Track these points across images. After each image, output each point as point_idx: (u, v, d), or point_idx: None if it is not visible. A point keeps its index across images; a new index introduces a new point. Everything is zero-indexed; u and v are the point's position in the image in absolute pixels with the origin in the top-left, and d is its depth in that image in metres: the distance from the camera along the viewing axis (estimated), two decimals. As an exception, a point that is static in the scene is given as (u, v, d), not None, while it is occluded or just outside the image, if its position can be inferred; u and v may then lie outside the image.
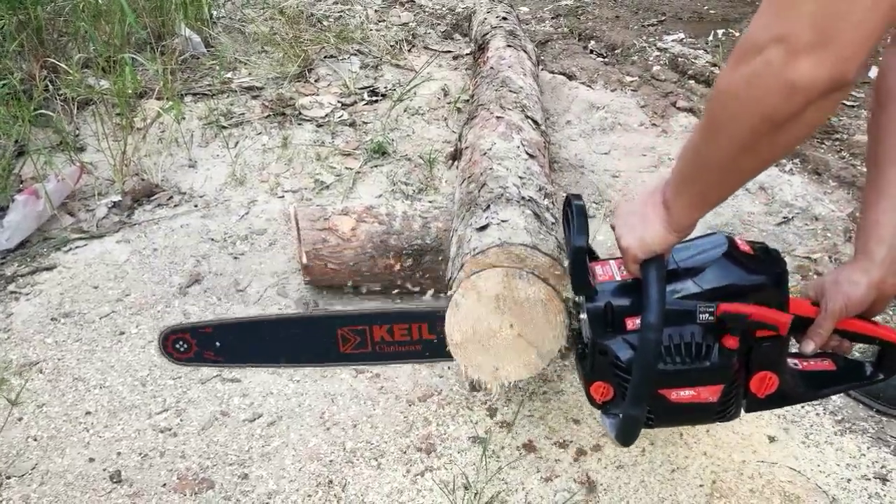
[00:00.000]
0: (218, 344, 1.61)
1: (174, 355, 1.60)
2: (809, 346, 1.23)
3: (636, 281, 1.18)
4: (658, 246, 1.11)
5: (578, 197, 1.28)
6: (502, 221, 1.61)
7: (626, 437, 1.25)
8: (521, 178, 1.82)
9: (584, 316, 1.29)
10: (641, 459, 1.60)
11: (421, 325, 1.57)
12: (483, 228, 1.60)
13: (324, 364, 1.76)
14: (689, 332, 1.21)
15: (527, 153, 1.98)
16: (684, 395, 1.25)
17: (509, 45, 2.89)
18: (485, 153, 1.96)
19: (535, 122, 2.26)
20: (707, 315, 1.19)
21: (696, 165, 1.01)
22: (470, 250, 1.57)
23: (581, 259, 1.22)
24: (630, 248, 1.14)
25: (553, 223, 1.73)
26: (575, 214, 1.24)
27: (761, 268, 1.21)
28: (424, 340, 1.59)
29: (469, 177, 1.91)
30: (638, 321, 1.17)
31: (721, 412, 1.28)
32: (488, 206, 1.68)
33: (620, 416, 1.25)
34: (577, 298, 1.38)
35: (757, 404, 1.30)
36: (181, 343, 1.61)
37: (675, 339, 1.20)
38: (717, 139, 0.93)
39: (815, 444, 1.64)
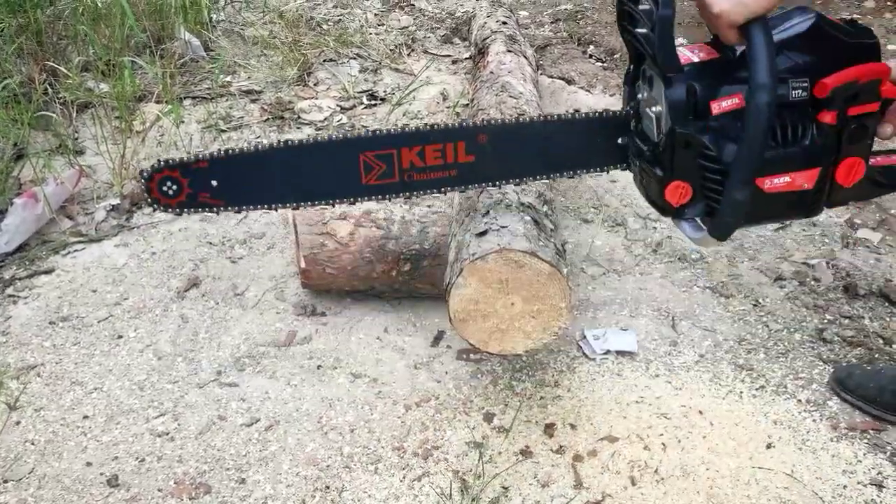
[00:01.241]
0: (215, 183, 1.43)
1: (161, 200, 1.41)
2: (888, 130, 1.18)
3: (719, 60, 1.12)
4: (759, 5, 1.04)
5: None
6: (501, 227, 1.61)
7: (724, 228, 1.17)
8: (519, 183, 1.82)
9: (656, 109, 1.20)
10: (637, 465, 1.60)
11: (457, 146, 1.42)
12: (482, 234, 1.61)
13: (343, 199, 1.51)
14: (782, 112, 1.12)
15: (525, 159, 1.98)
16: (779, 182, 1.18)
17: (509, 51, 2.90)
18: (483, 158, 1.96)
19: (534, 127, 2.26)
20: (800, 91, 1.12)
21: None
22: (469, 255, 1.58)
23: (669, 31, 1.13)
24: (726, 12, 1.06)
25: (552, 230, 1.74)
26: None
27: (854, 38, 1.14)
28: (460, 164, 1.43)
29: (467, 182, 1.91)
30: (725, 103, 1.11)
31: (813, 203, 1.22)
32: (487, 212, 1.68)
33: (704, 217, 1.17)
34: (640, 94, 1.29)
35: (842, 195, 1.24)
36: (169, 184, 1.40)
37: None
38: None
39: (811, 450, 1.64)
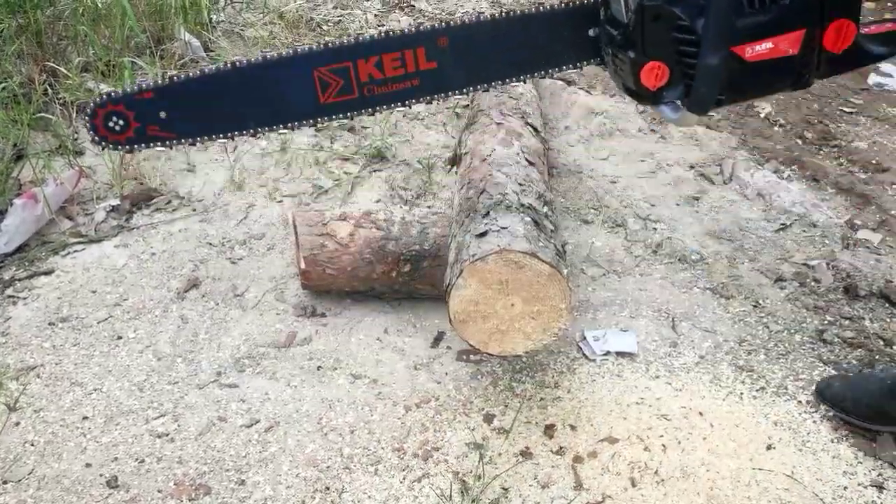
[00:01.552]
0: (163, 114, 1.36)
1: (109, 137, 1.36)
2: None
3: None
4: None
5: None
6: (501, 228, 1.61)
7: (701, 100, 1.13)
8: (520, 185, 1.83)
9: None
10: (638, 467, 1.60)
11: (417, 52, 1.36)
12: (482, 235, 1.61)
13: (303, 121, 1.44)
14: None
15: (527, 160, 1.99)
16: (761, 49, 1.13)
17: (508, 51, 2.90)
18: (484, 159, 1.96)
19: (535, 128, 2.27)
20: None
21: None
22: (469, 257, 1.58)
23: None
24: None
25: (552, 231, 1.74)
26: None
27: None
28: (422, 72, 1.37)
29: (468, 183, 1.91)
30: None
31: (800, 72, 1.16)
32: (487, 213, 1.69)
33: (683, 99, 1.13)
34: None
35: (833, 65, 1.18)
36: (115, 119, 1.34)
37: None
38: None
39: (811, 451, 1.64)
